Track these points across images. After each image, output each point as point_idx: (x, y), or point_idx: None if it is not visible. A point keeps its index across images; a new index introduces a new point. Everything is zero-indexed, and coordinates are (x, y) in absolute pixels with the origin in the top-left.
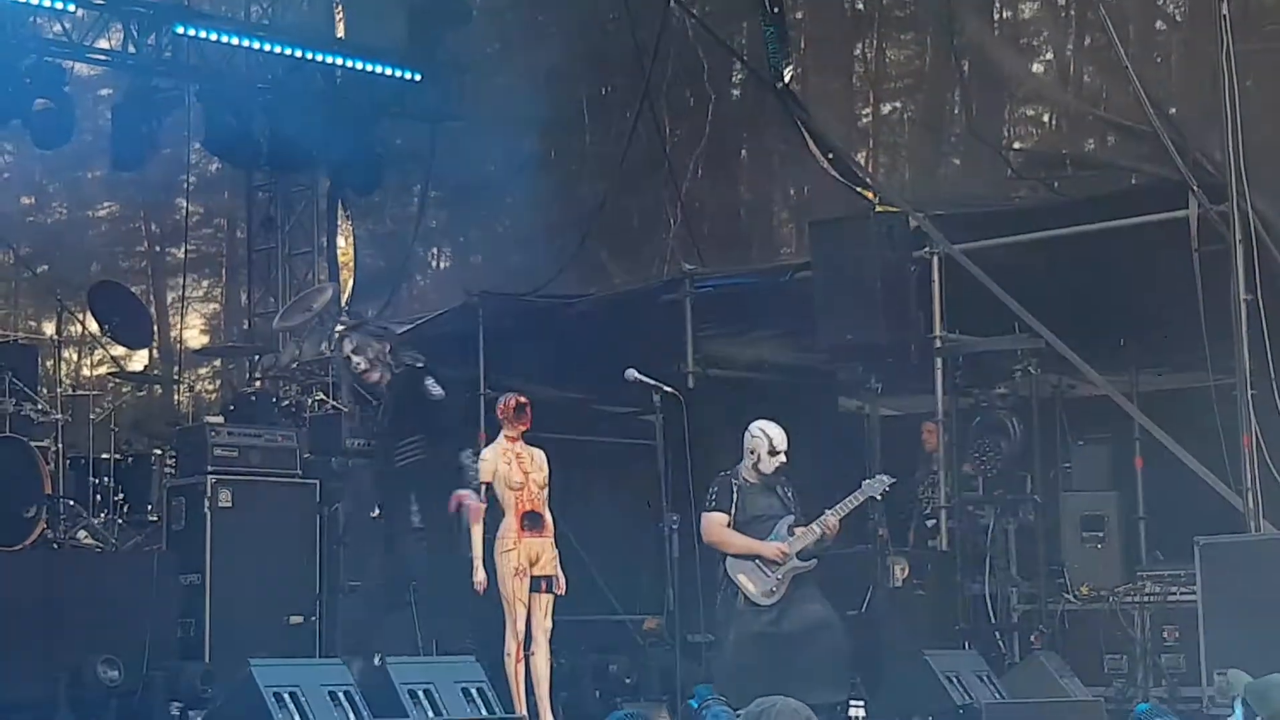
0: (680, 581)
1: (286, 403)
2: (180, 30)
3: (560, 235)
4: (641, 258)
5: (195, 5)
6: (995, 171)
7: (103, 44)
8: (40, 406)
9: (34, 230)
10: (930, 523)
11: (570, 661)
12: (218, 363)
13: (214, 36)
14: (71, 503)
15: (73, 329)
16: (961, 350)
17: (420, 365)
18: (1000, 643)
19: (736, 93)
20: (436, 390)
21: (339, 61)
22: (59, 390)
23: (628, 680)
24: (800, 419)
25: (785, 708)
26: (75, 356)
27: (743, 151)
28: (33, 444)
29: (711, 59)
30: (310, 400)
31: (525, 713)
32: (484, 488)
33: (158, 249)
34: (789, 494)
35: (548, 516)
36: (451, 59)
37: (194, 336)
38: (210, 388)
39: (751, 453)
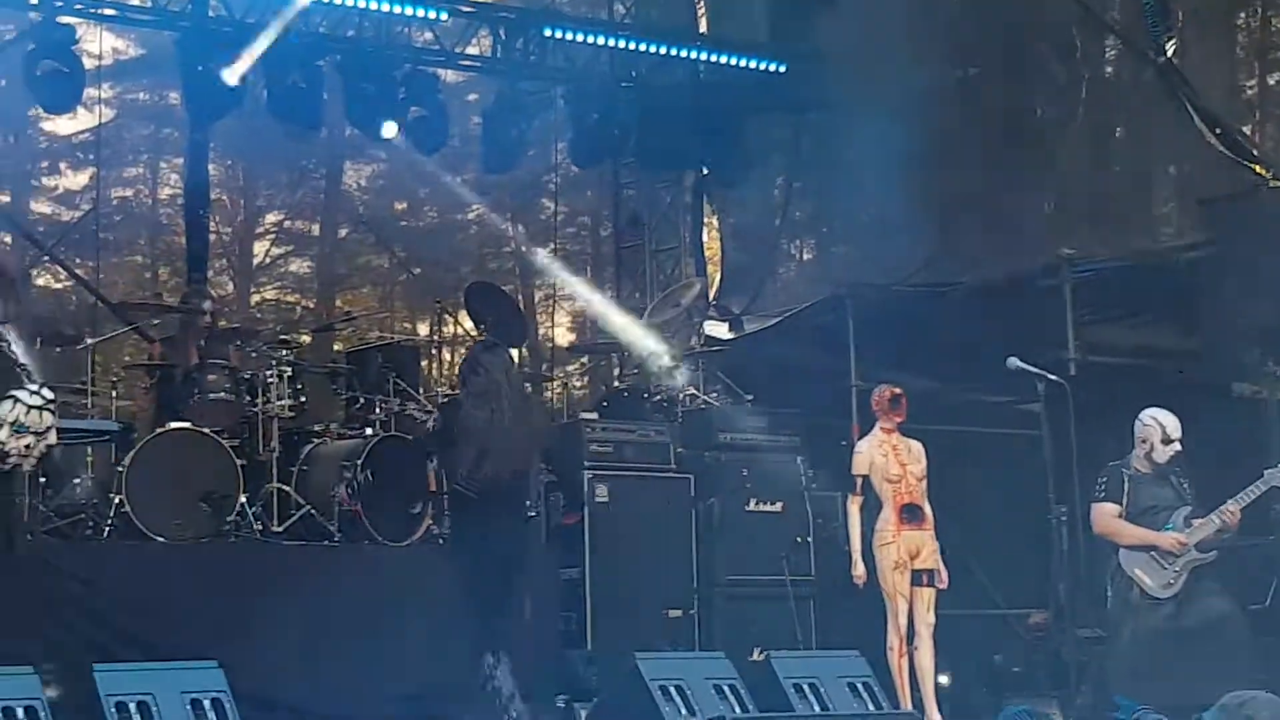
0: (1068, 575)
1: (658, 397)
2: (548, 33)
3: (928, 222)
4: (1014, 243)
5: (558, 7)
6: None
7: (471, 50)
8: (422, 405)
9: (407, 234)
10: None
11: (954, 656)
12: (585, 359)
13: (580, 37)
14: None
15: (447, 329)
16: None
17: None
18: None
19: (1110, 69)
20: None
21: (703, 56)
22: (437, 389)
23: (1014, 675)
24: (1191, 406)
25: (1270, 702)
26: (450, 356)
27: (1118, 130)
28: (417, 442)
29: (1084, 35)
30: (681, 395)
31: (911, 708)
32: (860, 480)
33: (524, 249)
34: (1184, 484)
35: (927, 509)
36: (815, 48)
37: (561, 334)
38: (579, 384)
39: (1143, 441)
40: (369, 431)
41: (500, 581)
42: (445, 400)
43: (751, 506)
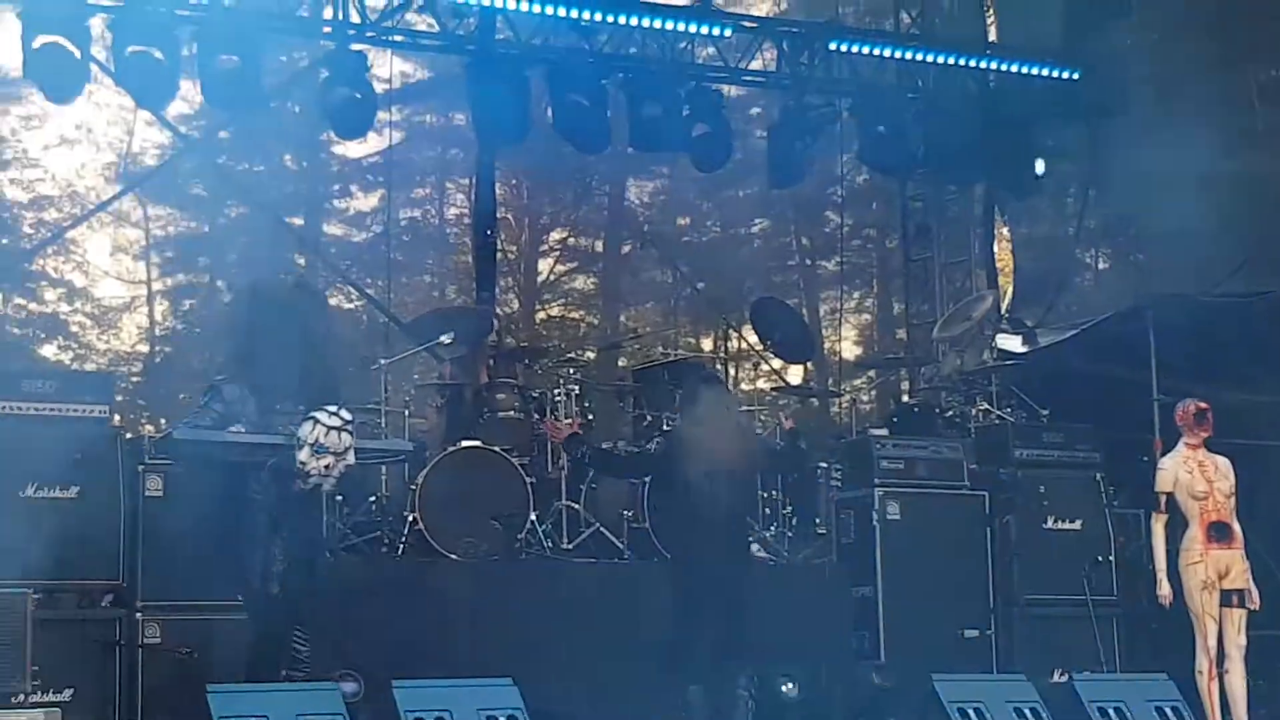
0: None
1: (950, 413)
2: (834, 46)
3: (1233, 228)
4: None
5: (842, 19)
6: None
7: (755, 65)
8: None
9: (690, 249)
10: None
11: (1268, 680)
12: (870, 373)
13: (867, 50)
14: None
15: (732, 344)
16: None
17: None
18: None
19: None
20: None
21: (992, 65)
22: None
23: None
24: None
25: None
26: (734, 371)
27: None
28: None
29: None
30: (974, 410)
31: None
32: (1164, 497)
33: (809, 262)
34: None
35: (1236, 527)
36: (1111, 54)
37: (847, 348)
38: (866, 399)
39: None
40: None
41: (725, 607)
42: (668, 429)
43: (1049, 524)
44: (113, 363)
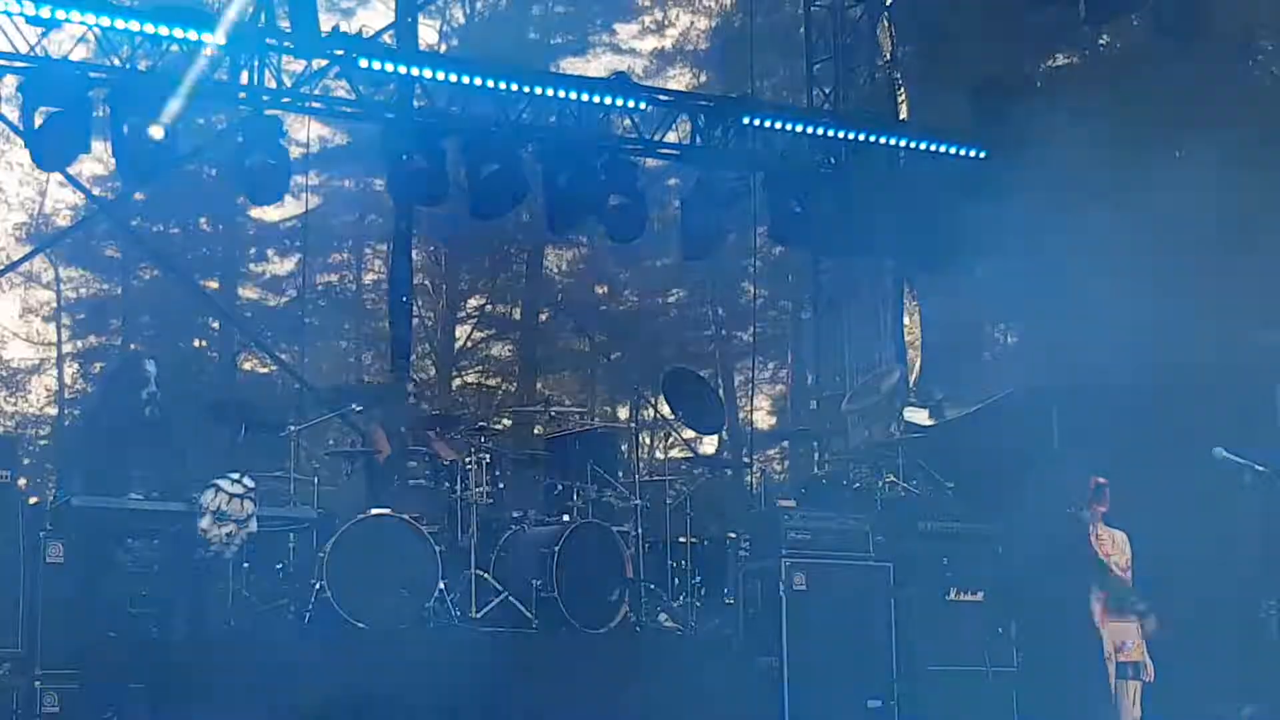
0: None
1: (857, 485)
2: (747, 120)
3: (1141, 307)
4: (1234, 329)
5: (758, 93)
6: None
7: (670, 137)
8: (620, 492)
9: (607, 318)
10: None
11: None
12: (784, 444)
13: (780, 125)
14: (652, 586)
15: (646, 414)
16: None
17: None
18: None
19: None
20: None
21: (902, 142)
22: (636, 475)
23: None
24: None
25: None
26: (648, 441)
27: None
28: (614, 529)
29: None
30: (881, 482)
31: None
32: None
33: (724, 333)
34: None
35: (1134, 600)
36: (1018, 133)
37: (761, 418)
38: (779, 469)
39: None
40: (566, 518)
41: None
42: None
43: (952, 596)
44: (20, 425)
